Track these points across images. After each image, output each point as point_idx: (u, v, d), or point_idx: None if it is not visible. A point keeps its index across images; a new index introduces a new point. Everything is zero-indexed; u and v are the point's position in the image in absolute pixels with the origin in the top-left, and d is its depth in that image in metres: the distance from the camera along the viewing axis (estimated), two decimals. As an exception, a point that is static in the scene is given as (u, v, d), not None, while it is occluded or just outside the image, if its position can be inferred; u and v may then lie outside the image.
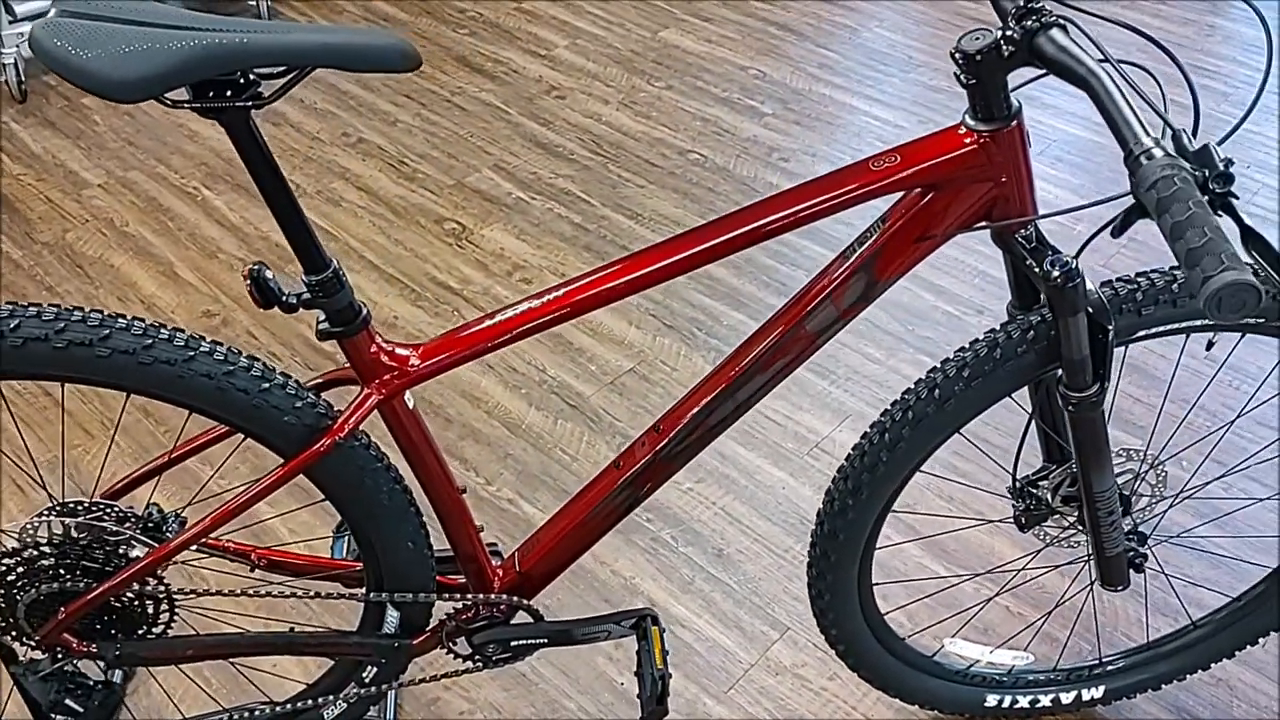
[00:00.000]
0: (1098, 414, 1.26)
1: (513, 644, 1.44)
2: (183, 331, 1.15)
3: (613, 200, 2.81)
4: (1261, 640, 1.63)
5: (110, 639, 1.30)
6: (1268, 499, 1.97)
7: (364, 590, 1.38)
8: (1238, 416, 1.84)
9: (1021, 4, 1.04)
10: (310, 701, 1.46)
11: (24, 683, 1.32)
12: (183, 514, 1.32)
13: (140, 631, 1.31)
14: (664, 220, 2.73)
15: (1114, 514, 1.36)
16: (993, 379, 1.27)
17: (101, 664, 1.32)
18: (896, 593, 1.83)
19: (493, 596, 1.40)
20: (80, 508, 1.24)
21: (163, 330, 1.13)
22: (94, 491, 1.30)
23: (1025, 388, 1.33)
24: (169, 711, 1.67)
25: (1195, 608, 1.73)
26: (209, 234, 2.68)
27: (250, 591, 1.31)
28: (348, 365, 1.21)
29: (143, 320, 1.13)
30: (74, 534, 1.22)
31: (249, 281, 1.12)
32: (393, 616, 1.42)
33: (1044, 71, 1.05)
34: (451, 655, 1.45)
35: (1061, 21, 1.03)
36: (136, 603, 1.28)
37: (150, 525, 1.27)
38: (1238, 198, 0.83)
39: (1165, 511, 1.49)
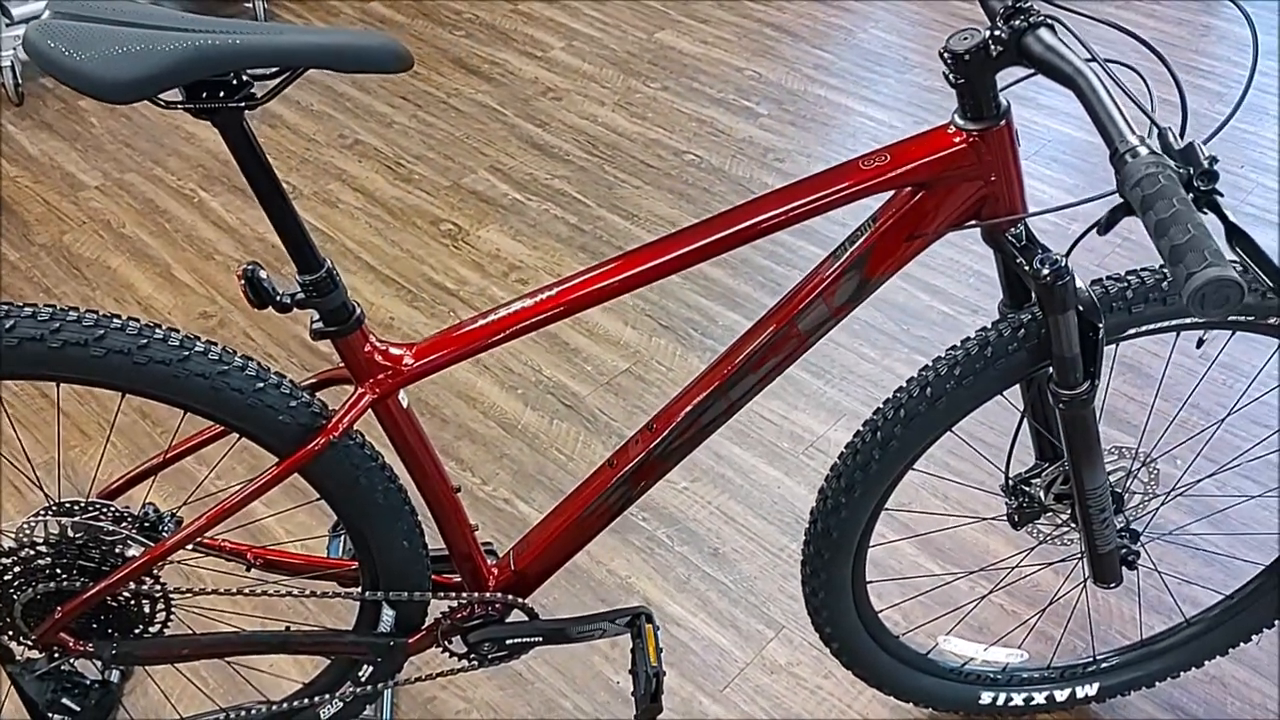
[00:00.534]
0: (1089, 412, 1.27)
1: (508, 642, 1.44)
2: (178, 331, 1.15)
3: (608, 201, 2.81)
4: (1255, 637, 1.63)
5: (107, 638, 1.30)
6: (1260, 496, 1.98)
7: (359, 589, 1.38)
8: (1229, 414, 1.85)
9: (1009, 4, 1.05)
10: (307, 701, 1.47)
11: (21, 682, 1.33)
12: (178, 513, 1.32)
13: (137, 631, 1.31)
14: (659, 221, 2.74)
15: (1106, 511, 1.37)
16: (984, 377, 1.27)
17: (98, 663, 1.32)
18: (891, 591, 1.84)
19: (488, 595, 1.41)
20: (76, 507, 1.24)
21: (157, 330, 1.14)
22: (90, 491, 1.31)
23: (1017, 386, 1.34)
24: (166, 711, 1.68)
25: (1189, 605, 1.74)
26: (205, 235, 2.68)
27: (246, 591, 1.32)
28: (342, 365, 1.22)
29: (138, 320, 1.14)
30: (70, 533, 1.23)
31: (243, 282, 1.12)
32: (388, 615, 1.43)
33: (1032, 71, 1.05)
34: (447, 654, 1.46)
35: (1049, 21, 1.03)
36: (133, 602, 1.29)
37: (146, 525, 1.28)
38: (1222, 195, 0.84)
39: (1158, 509, 1.49)
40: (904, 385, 1.31)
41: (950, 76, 1.09)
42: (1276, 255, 0.85)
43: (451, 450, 2.15)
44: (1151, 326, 1.26)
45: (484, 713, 1.72)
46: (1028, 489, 1.44)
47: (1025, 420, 1.41)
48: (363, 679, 1.47)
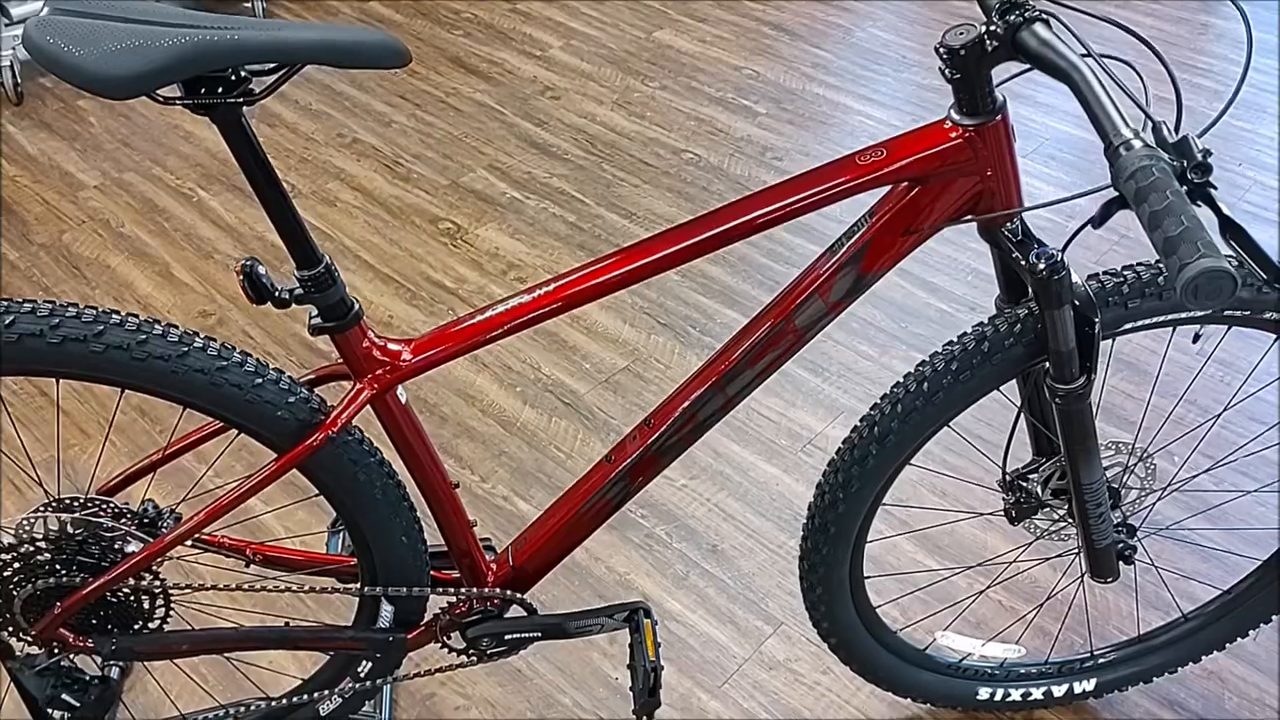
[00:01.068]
0: (1085, 406, 1.27)
1: (507, 638, 1.45)
2: (176, 327, 1.16)
3: (607, 199, 2.82)
4: (1252, 633, 1.64)
5: (107, 634, 1.31)
6: (1256, 491, 1.98)
7: (358, 585, 1.39)
8: (1225, 409, 1.86)
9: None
10: (306, 697, 1.47)
11: (21, 677, 1.33)
12: (178, 510, 1.33)
13: (136, 626, 1.32)
14: (658, 219, 2.74)
15: (1102, 506, 1.37)
16: (981, 372, 1.28)
17: (98, 659, 1.33)
18: (889, 586, 1.84)
19: (486, 591, 1.41)
20: (76, 503, 1.25)
21: (157, 326, 1.14)
22: (89, 488, 1.31)
23: (1014, 381, 1.34)
24: (166, 708, 1.68)
25: (1186, 601, 1.74)
26: (204, 234, 2.69)
27: (246, 586, 1.32)
28: (340, 361, 1.22)
29: (137, 316, 1.14)
30: (70, 529, 1.23)
31: (242, 277, 1.13)
32: (387, 611, 1.43)
33: (1028, 66, 1.06)
34: (446, 650, 1.46)
35: (1044, 16, 1.04)
36: (132, 597, 1.29)
37: (146, 521, 1.28)
38: (1215, 188, 0.84)
39: (1154, 504, 1.49)
40: (901, 380, 1.32)
41: (946, 72, 1.10)
42: (1276, 252, 0.85)
43: (450, 448, 2.15)
44: (1147, 321, 1.26)
45: (483, 709, 1.73)
46: (1025, 484, 1.44)
47: (1022, 415, 1.41)
48: (362, 675, 1.47)
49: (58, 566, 1.24)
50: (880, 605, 1.58)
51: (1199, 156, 0.86)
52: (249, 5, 3.51)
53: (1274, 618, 1.61)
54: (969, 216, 1.18)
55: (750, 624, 1.85)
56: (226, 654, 1.59)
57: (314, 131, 3.05)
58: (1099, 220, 0.92)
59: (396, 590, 1.36)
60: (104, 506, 1.26)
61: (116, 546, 1.25)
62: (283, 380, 1.20)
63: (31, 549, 1.23)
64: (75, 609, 1.25)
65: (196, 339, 1.16)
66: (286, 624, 1.48)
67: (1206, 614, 1.65)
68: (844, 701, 1.74)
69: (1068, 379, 1.23)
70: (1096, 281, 1.25)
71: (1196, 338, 1.35)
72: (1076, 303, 1.19)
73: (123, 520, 1.26)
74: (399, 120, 3.11)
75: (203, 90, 1.01)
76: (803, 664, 1.79)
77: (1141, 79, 1.02)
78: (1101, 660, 1.69)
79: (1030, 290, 1.21)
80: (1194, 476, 1.76)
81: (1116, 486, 1.44)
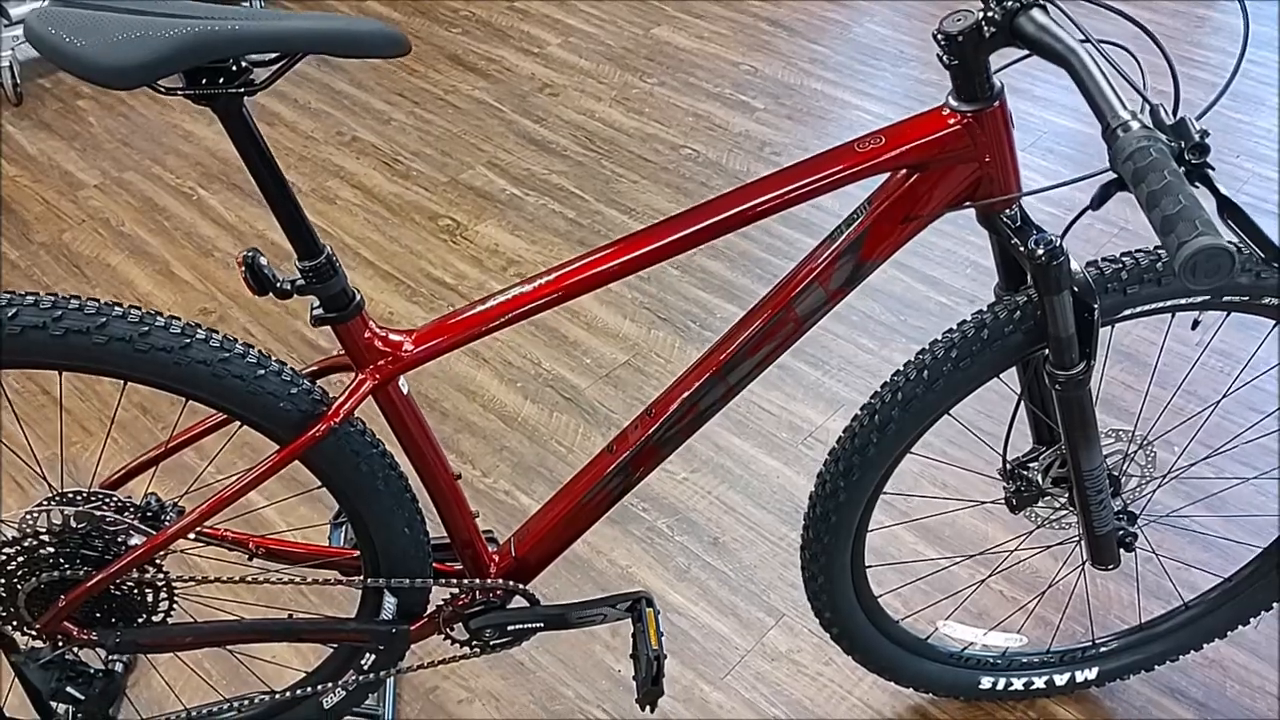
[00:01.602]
0: (1084, 393, 1.27)
1: (509, 628, 1.45)
2: (178, 319, 1.16)
3: (606, 195, 2.82)
4: (1253, 620, 1.64)
5: (110, 627, 1.31)
6: (1257, 477, 1.99)
7: (361, 578, 1.39)
8: (1223, 397, 1.86)
9: (1002, -15, 1.05)
10: (310, 689, 1.47)
11: (25, 671, 1.33)
12: (180, 503, 1.33)
13: (140, 620, 1.32)
14: (657, 215, 2.75)
15: (1103, 493, 1.38)
16: (980, 359, 1.28)
17: (102, 652, 1.33)
18: (890, 576, 1.84)
19: (489, 582, 1.41)
20: (79, 497, 1.25)
21: (159, 318, 1.14)
22: (92, 483, 1.31)
23: (1014, 370, 1.35)
24: (170, 702, 1.68)
25: (1187, 589, 1.75)
26: (204, 233, 2.69)
27: (249, 579, 1.33)
28: (342, 352, 1.23)
29: (139, 308, 1.15)
30: (73, 523, 1.23)
31: (243, 268, 1.13)
32: (390, 603, 1.43)
33: (1026, 53, 1.06)
34: (449, 641, 1.47)
35: (1042, 2, 1.04)
36: (136, 591, 1.29)
37: (149, 514, 1.28)
38: (1213, 169, 0.85)
39: (1154, 492, 1.50)
40: (901, 368, 1.32)
41: (944, 58, 1.10)
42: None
43: (452, 443, 2.16)
44: (1146, 307, 1.26)
45: (486, 702, 1.73)
46: (1025, 473, 1.45)
47: (1022, 404, 1.41)
48: (365, 667, 1.47)
49: (61, 560, 1.24)
50: (881, 595, 1.58)
51: (1196, 137, 0.86)
52: (247, 4, 3.52)
53: (1275, 605, 1.61)
54: (968, 203, 1.19)
55: (752, 616, 1.86)
56: (230, 647, 1.59)
57: (313, 130, 3.05)
58: (1097, 202, 0.92)
59: (399, 582, 1.36)
60: (107, 500, 1.26)
61: (120, 540, 1.25)
62: (285, 372, 1.20)
63: (35, 543, 1.23)
64: (79, 602, 1.25)
65: (199, 330, 1.16)
66: (290, 616, 1.48)
67: (1207, 602, 1.66)
68: (846, 692, 1.74)
69: (1067, 365, 1.24)
70: (1095, 268, 1.25)
71: (1196, 324, 1.35)
72: (1076, 289, 1.19)
73: (126, 514, 1.26)
74: (398, 118, 3.12)
75: (204, 81, 1.01)
76: (805, 655, 1.80)
77: (1138, 63, 1.02)
78: (1103, 649, 1.70)
79: (1029, 277, 1.21)
80: (1193, 465, 1.76)
81: (1117, 474, 1.44)
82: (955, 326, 1.29)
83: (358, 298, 1.19)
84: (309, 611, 1.82)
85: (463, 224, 2.73)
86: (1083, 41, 0.99)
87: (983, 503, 1.94)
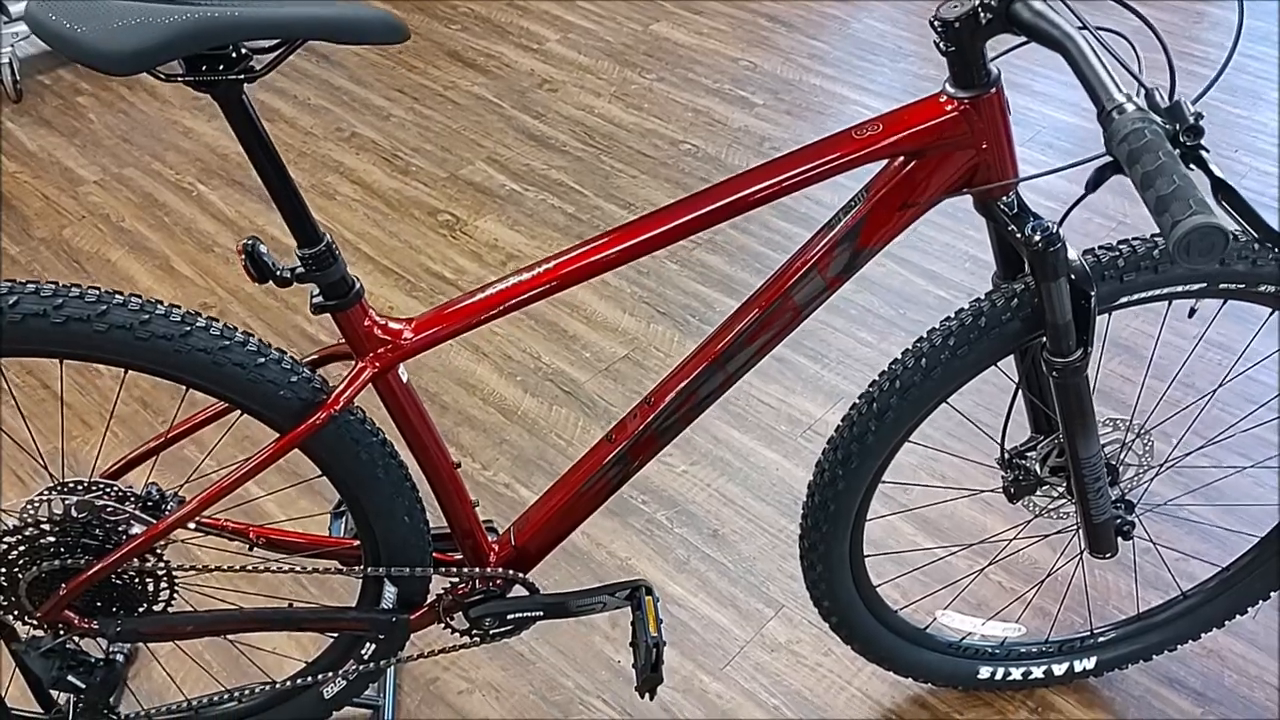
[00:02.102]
0: (1082, 380, 1.28)
1: (509, 617, 1.45)
2: (179, 308, 1.16)
3: (605, 191, 2.83)
4: (1251, 610, 1.64)
5: (111, 616, 1.31)
6: (1254, 466, 1.99)
7: (361, 567, 1.39)
8: (1219, 386, 1.86)
9: (999, -28, 1.06)
10: (310, 679, 1.48)
11: (26, 659, 1.34)
12: (181, 493, 1.33)
13: (141, 609, 1.32)
14: (656, 209, 2.75)
15: (1100, 480, 1.38)
16: (978, 347, 1.28)
17: (102, 641, 1.33)
18: (889, 566, 1.85)
19: (489, 570, 1.42)
20: (80, 486, 1.25)
21: (159, 306, 1.15)
22: (92, 474, 1.32)
23: (1012, 358, 1.35)
24: (170, 693, 1.69)
25: (1185, 579, 1.75)
26: (204, 228, 2.69)
27: (249, 568, 1.33)
28: (342, 341, 1.23)
29: (139, 297, 1.15)
30: (74, 512, 1.24)
31: (243, 257, 1.14)
32: (390, 592, 1.44)
33: (1023, 40, 1.06)
34: (449, 630, 1.47)
35: (1037, -12, 1.04)
36: (136, 580, 1.30)
37: (149, 504, 1.29)
38: (1208, 150, 0.85)
39: (1151, 481, 1.50)
40: (899, 357, 1.33)
41: (940, 44, 1.11)
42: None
43: (452, 436, 2.16)
44: (1143, 295, 1.27)
45: (485, 692, 1.73)
46: (1023, 462, 1.45)
47: (1020, 393, 1.42)
48: (365, 657, 1.48)
49: (62, 549, 1.25)
50: (880, 585, 1.58)
51: (1191, 120, 0.87)
52: None
53: (1272, 594, 1.62)
54: (965, 190, 1.19)
55: (751, 607, 1.86)
56: (230, 636, 1.60)
57: (312, 126, 3.06)
58: (1092, 185, 0.93)
59: (399, 570, 1.37)
60: (107, 490, 1.26)
61: (120, 529, 1.26)
62: (285, 360, 1.21)
63: (36, 532, 1.23)
64: (80, 591, 1.26)
65: (199, 319, 1.17)
66: (290, 605, 1.48)
67: (1205, 591, 1.66)
68: (845, 682, 1.75)
69: (1065, 352, 1.24)
70: (1092, 255, 1.26)
71: (1192, 312, 1.36)
72: (1073, 276, 1.19)
73: (126, 503, 1.27)
74: (397, 114, 3.12)
75: (204, 67, 1.01)
76: (804, 646, 1.80)
77: (1134, 48, 1.03)
78: (1101, 639, 1.70)
79: (1027, 264, 1.22)
80: (1189, 454, 1.77)
81: (1114, 463, 1.44)
82: (953, 314, 1.30)
83: (357, 286, 1.19)
84: (309, 601, 1.82)
85: (462, 219, 2.74)
86: (1080, 28, 0.99)
87: (981, 492, 1.94)
